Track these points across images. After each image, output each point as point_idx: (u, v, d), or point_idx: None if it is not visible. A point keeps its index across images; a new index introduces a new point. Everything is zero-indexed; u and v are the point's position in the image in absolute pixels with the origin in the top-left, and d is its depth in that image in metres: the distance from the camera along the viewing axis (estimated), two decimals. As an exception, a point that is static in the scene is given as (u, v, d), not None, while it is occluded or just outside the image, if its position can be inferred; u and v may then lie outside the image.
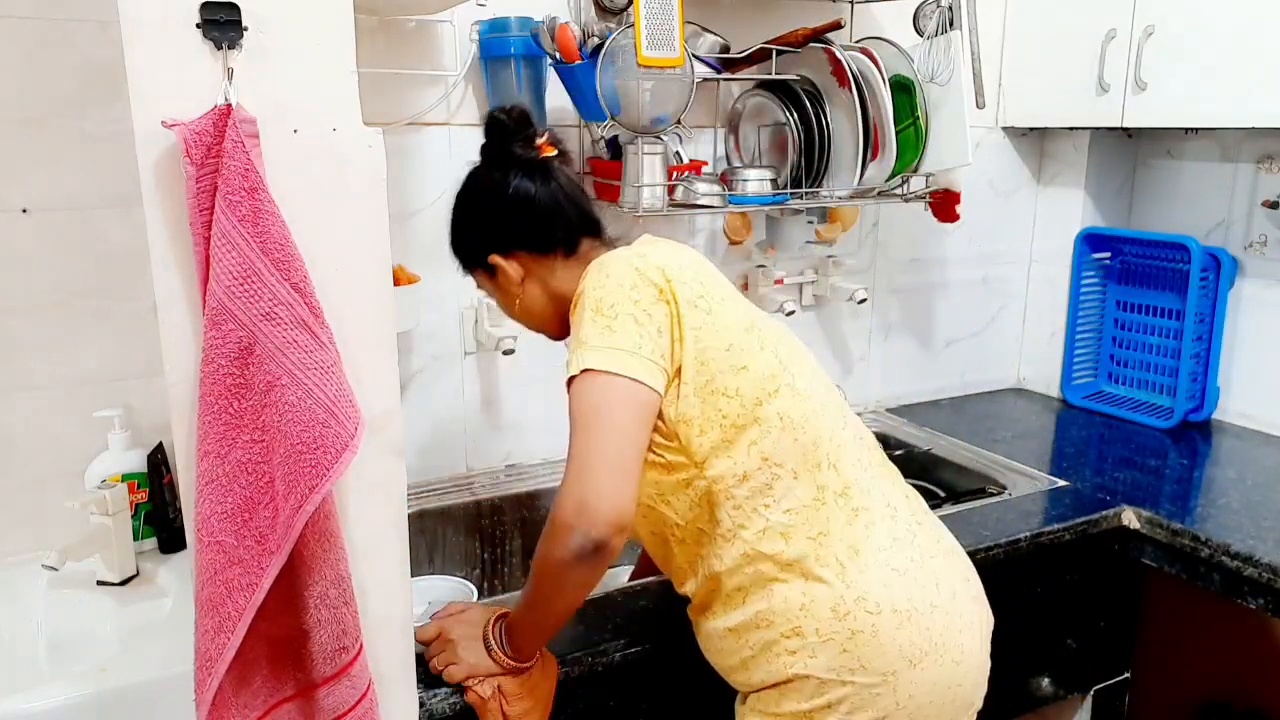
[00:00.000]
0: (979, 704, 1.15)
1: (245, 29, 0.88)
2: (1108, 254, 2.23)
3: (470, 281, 1.68)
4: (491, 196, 1.18)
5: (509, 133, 1.18)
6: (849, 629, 1.04)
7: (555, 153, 1.21)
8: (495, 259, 1.19)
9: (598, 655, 1.22)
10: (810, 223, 1.91)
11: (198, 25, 0.86)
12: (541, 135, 1.20)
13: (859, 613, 1.05)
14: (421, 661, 1.14)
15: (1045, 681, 1.68)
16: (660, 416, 1.05)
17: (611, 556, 0.99)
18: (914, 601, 1.07)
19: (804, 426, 1.09)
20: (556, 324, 1.23)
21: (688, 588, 1.14)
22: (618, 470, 0.98)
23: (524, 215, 1.17)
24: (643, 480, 1.06)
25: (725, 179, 1.72)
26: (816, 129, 1.72)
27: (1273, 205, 1.96)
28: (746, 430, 1.06)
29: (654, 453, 1.07)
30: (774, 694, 1.08)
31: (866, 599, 1.05)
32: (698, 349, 1.05)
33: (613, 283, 1.05)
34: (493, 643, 1.11)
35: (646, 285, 1.05)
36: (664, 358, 1.03)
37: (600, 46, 1.53)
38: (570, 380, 1.02)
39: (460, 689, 1.12)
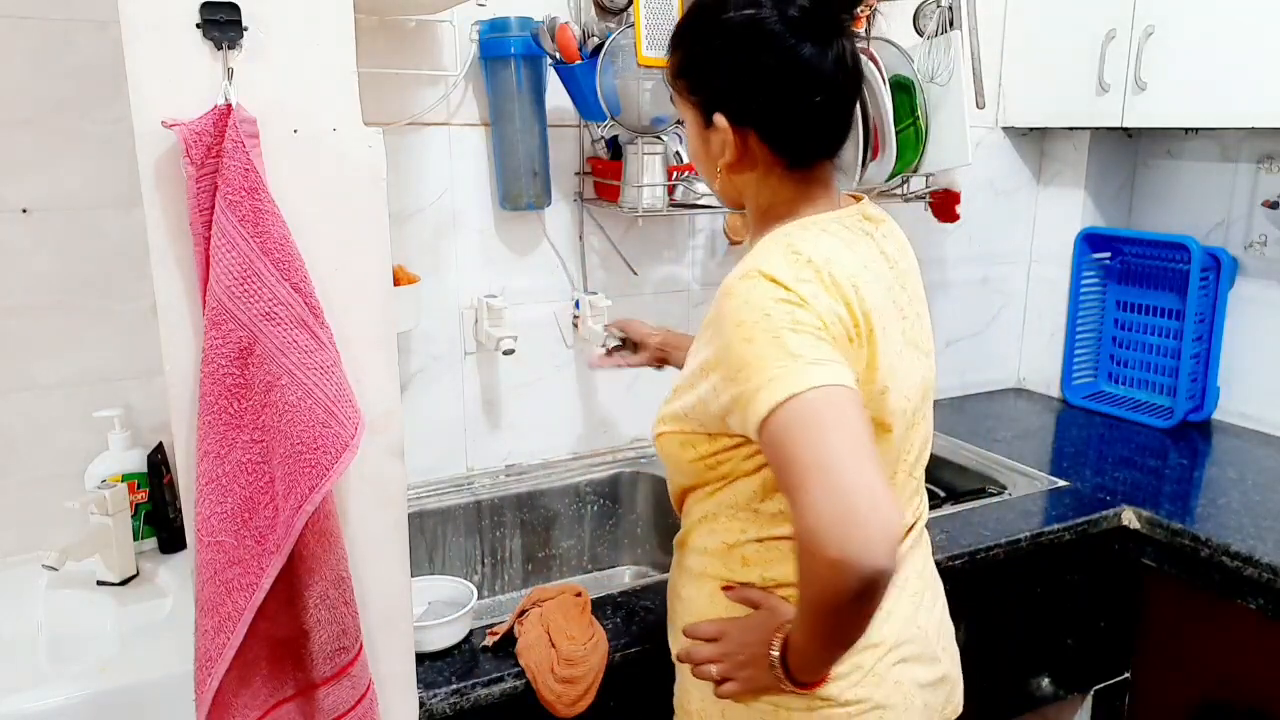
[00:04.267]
0: None
1: (245, 29, 0.88)
2: (1108, 254, 2.23)
3: (470, 281, 1.72)
4: (775, 57, 0.93)
5: None
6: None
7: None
8: (721, 120, 0.96)
9: (598, 655, 1.22)
10: (810, 223, 1.91)
11: (198, 25, 0.86)
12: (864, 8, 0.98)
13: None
14: (422, 660, 1.14)
15: (1045, 681, 1.68)
16: None
17: (891, 575, 0.80)
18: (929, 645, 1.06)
19: (884, 458, 1.04)
20: (739, 205, 1.06)
21: (691, 518, 1.07)
22: (864, 483, 0.79)
23: (791, 104, 0.95)
24: (714, 444, 0.98)
25: (725, 179, 1.71)
26: (816, 129, 1.72)
27: (1273, 205, 1.96)
28: None
29: (730, 435, 0.96)
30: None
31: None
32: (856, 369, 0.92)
33: (768, 301, 0.89)
34: (776, 662, 0.95)
35: (805, 309, 0.89)
36: (832, 350, 0.88)
37: (600, 46, 1.53)
38: (763, 421, 0.84)
39: (461, 691, 1.11)
